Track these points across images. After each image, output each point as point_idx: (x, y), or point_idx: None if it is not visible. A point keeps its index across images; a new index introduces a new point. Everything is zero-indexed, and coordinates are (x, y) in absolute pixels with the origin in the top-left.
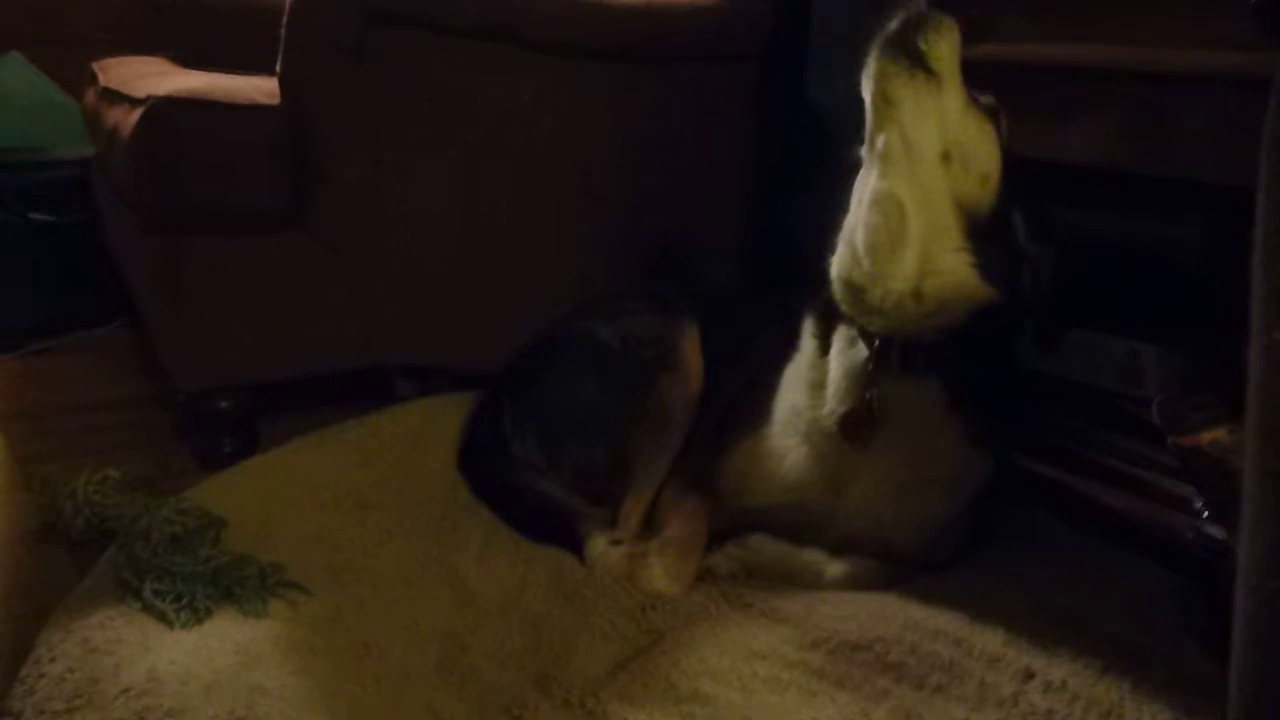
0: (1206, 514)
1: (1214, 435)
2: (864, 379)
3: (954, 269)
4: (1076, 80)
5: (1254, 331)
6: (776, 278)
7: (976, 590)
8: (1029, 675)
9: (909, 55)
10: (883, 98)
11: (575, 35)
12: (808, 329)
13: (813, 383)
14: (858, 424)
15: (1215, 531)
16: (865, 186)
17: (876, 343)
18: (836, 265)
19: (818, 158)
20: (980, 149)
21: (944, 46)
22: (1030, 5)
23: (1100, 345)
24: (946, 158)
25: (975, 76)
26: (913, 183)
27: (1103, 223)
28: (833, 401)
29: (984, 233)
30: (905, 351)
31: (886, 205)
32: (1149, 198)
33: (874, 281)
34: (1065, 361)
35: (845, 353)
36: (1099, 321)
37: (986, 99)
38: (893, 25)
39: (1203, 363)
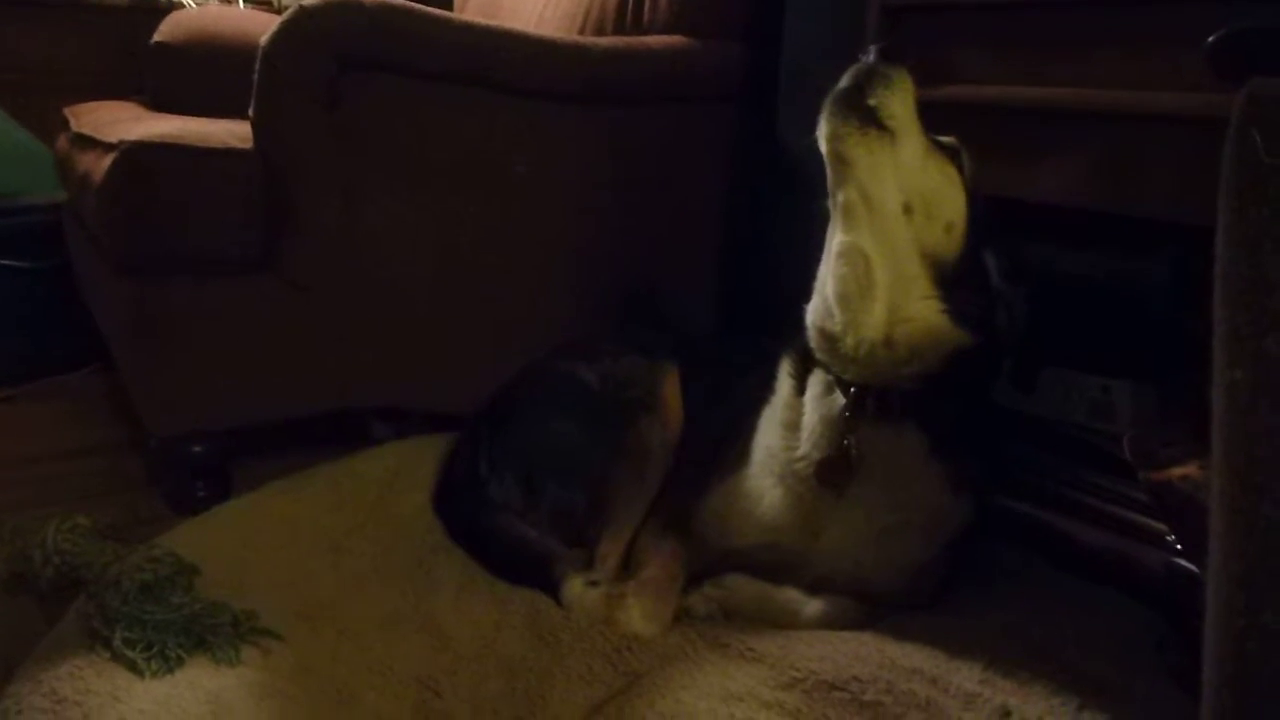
0: (1179, 549)
1: (1185, 471)
2: (840, 426)
3: (924, 316)
4: (1044, 121)
5: (1216, 370)
6: (751, 318)
7: (952, 628)
8: (1005, 713)
9: (859, 114)
10: (837, 157)
11: (548, 78)
12: (784, 368)
13: (787, 423)
14: (834, 472)
15: (1188, 566)
16: (832, 239)
17: (852, 390)
18: (811, 314)
19: (792, 198)
20: (943, 196)
21: (895, 101)
22: (997, 46)
23: (1072, 381)
24: (908, 209)
25: (942, 118)
26: (876, 236)
27: (1074, 260)
28: (807, 446)
29: (954, 277)
30: (881, 399)
31: (852, 258)
32: (1119, 235)
33: (846, 331)
34: (1037, 398)
35: (821, 399)
36: (1070, 358)
37: (949, 140)
38: (843, 81)
39: (1174, 398)
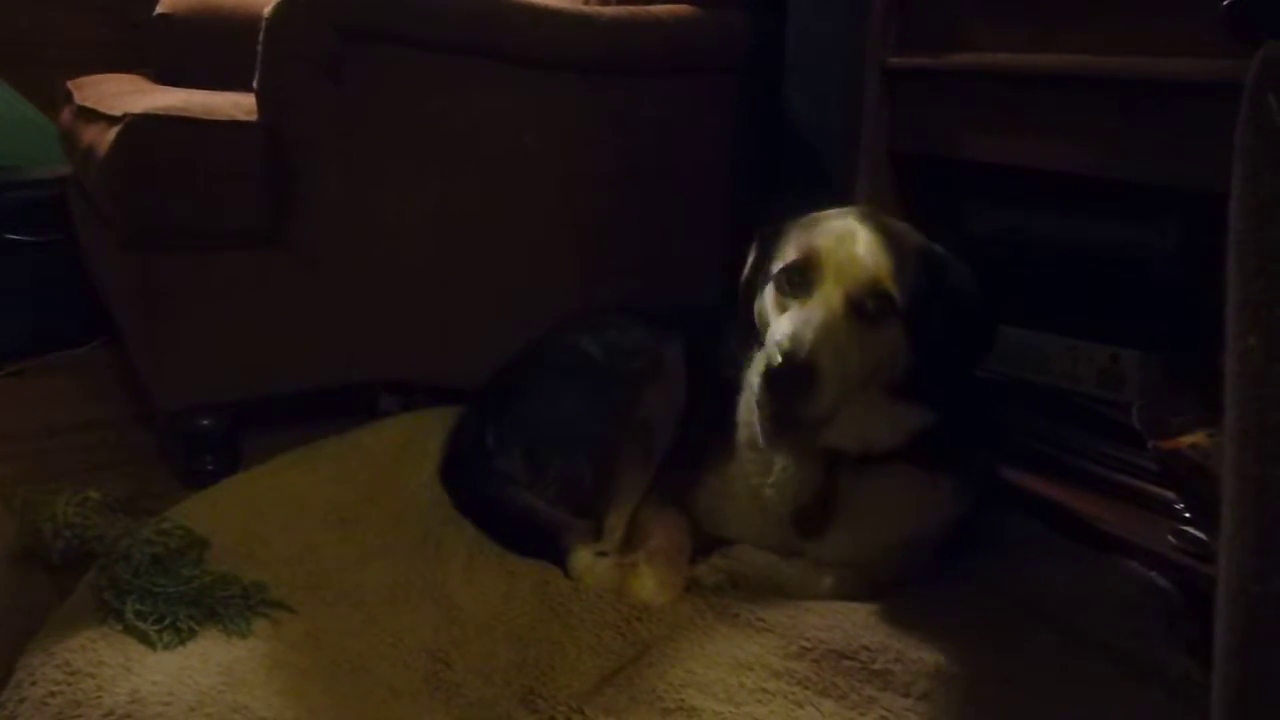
0: (1188, 518)
1: (1194, 439)
2: (814, 478)
3: (893, 424)
4: (1054, 88)
5: (1229, 337)
6: None
7: (962, 597)
8: (1015, 681)
9: (798, 431)
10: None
11: (555, 48)
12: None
13: (752, 442)
14: (810, 522)
15: (1197, 535)
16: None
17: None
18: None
19: (797, 167)
20: (878, 353)
21: (815, 401)
22: (1008, 13)
23: (1081, 350)
24: (863, 384)
25: (953, 86)
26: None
27: (1082, 230)
28: (777, 478)
29: (914, 371)
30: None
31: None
32: (1127, 204)
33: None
34: (1046, 367)
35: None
36: (1080, 327)
37: (864, 282)
38: (766, 413)
39: (1183, 367)
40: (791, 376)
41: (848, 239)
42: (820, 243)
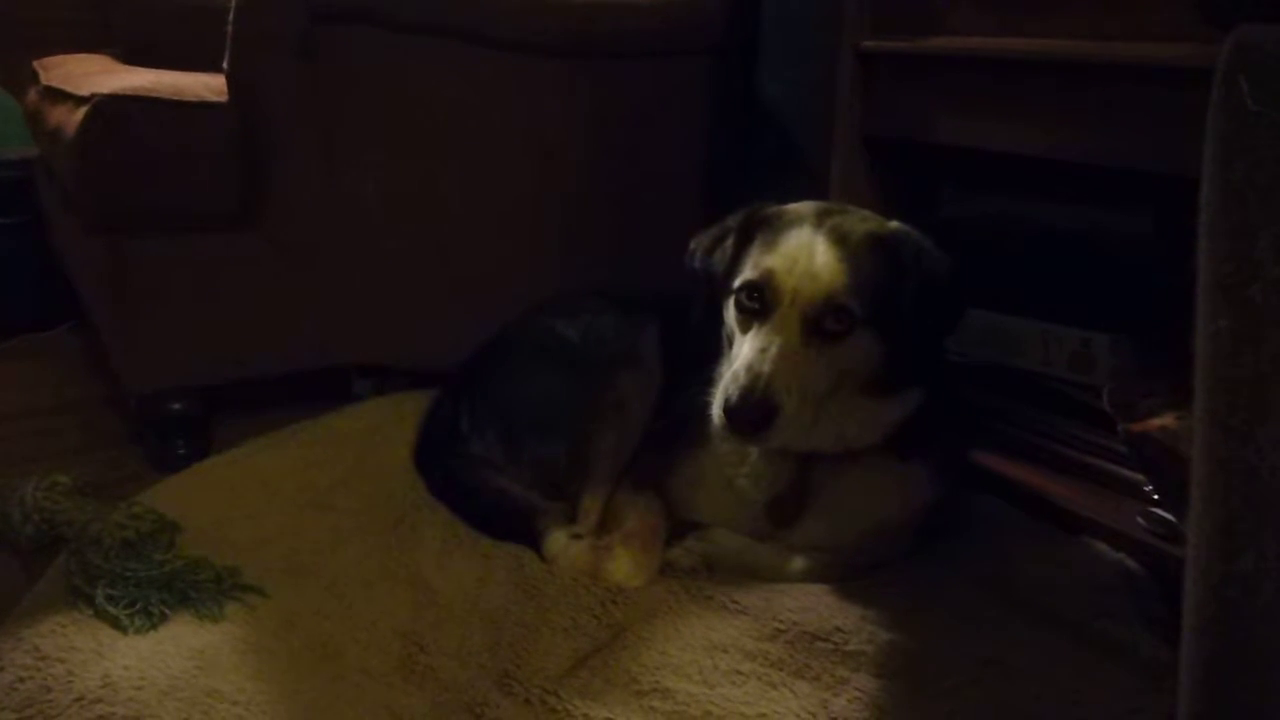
0: (1157, 499)
1: (1163, 422)
2: (790, 468)
3: (875, 420)
4: (1026, 72)
5: (1200, 320)
6: None
7: (935, 579)
8: (987, 662)
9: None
10: None
11: (530, 31)
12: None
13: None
14: (784, 512)
15: (1166, 517)
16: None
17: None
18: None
19: (771, 150)
20: (853, 364)
21: (777, 432)
22: None
23: (1052, 334)
24: (836, 390)
25: (927, 70)
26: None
27: (1055, 214)
28: (749, 468)
29: (895, 362)
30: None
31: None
32: (1101, 189)
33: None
34: (1018, 351)
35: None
36: (1052, 311)
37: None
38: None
39: (1153, 350)
40: (750, 413)
41: (802, 257)
42: (774, 264)
